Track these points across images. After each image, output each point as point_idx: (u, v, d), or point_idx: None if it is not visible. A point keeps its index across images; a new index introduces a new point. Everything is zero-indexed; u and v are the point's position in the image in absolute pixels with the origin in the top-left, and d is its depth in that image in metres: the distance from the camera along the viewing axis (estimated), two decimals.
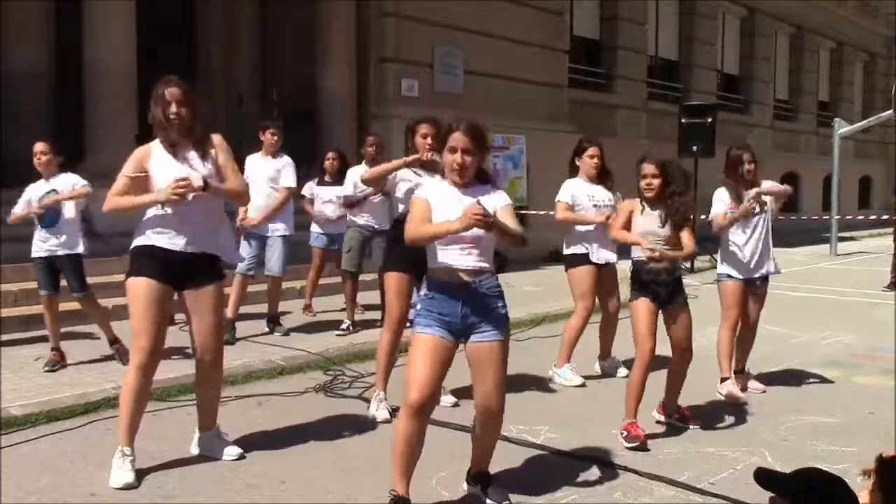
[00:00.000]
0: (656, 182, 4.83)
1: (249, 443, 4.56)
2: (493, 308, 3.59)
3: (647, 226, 4.81)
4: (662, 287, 4.78)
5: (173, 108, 4.07)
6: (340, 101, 12.09)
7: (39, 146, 6.14)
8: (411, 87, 12.53)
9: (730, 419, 5.20)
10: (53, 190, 6.10)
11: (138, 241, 4.16)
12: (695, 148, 13.40)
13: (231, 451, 4.37)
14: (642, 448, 4.56)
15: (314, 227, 8.46)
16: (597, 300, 6.23)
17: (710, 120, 13.63)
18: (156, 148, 4.17)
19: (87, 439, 4.65)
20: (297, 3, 12.54)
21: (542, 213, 13.06)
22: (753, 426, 5.09)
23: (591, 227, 5.98)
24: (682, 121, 13.87)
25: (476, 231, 3.46)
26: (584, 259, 6.06)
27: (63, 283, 6.26)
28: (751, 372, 6.03)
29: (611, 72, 17.75)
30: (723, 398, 5.52)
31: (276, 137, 7.40)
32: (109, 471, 4.00)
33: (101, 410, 5.11)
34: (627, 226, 4.91)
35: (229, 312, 6.95)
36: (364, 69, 12.45)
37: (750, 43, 22.69)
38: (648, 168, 4.86)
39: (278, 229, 7.41)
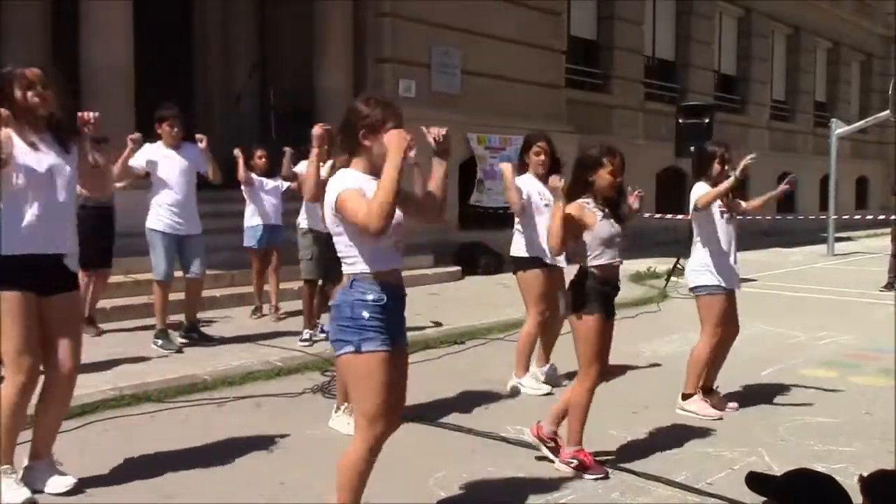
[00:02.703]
0: None
1: (248, 443, 4.56)
2: (404, 309, 3.21)
3: (614, 230, 4.26)
4: (614, 294, 4.30)
5: (32, 92, 3.65)
6: (338, 100, 12.08)
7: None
8: (408, 86, 12.53)
9: (727, 420, 5.20)
10: None
11: (5, 251, 3.62)
12: (692, 148, 13.41)
13: (59, 483, 3.80)
14: (605, 475, 4.17)
15: (250, 222, 8.10)
16: None
17: (706, 120, 13.63)
18: (14, 136, 3.66)
19: (82, 441, 4.64)
20: (295, 2, 12.54)
21: None
22: (751, 426, 5.09)
23: (542, 230, 5.57)
24: (679, 121, 13.87)
25: (398, 218, 3.01)
26: (534, 262, 5.74)
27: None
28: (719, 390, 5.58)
29: (608, 72, 17.76)
30: (691, 414, 5.22)
31: (174, 129, 6.79)
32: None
33: (97, 412, 5.09)
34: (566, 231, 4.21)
35: (158, 322, 6.72)
36: (361, 69, 12.45)
37: (747, 43, 22.71)
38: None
39: (198, 227, 6.92)
